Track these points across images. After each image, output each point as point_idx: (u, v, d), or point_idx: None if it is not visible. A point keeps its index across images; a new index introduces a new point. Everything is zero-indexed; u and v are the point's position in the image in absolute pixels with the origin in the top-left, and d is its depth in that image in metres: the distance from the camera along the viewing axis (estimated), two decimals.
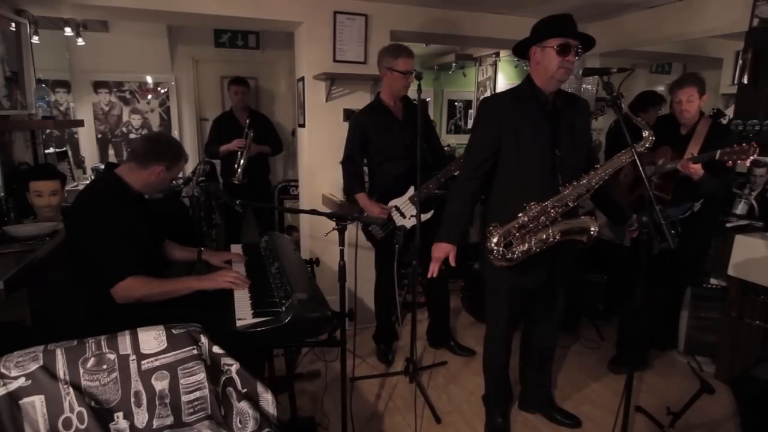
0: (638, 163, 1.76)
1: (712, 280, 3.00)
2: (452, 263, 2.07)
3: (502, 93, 2.17)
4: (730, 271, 2.64)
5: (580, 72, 1.91)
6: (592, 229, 1.93)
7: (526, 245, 1.96)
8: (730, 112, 3.33)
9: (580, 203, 2.01)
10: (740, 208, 2.81)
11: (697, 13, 3.23)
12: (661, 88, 5.47)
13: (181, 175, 4.72)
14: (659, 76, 5.69)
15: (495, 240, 1.98)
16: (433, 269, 2.09)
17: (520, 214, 1.97)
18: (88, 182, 3.40)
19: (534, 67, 2.01)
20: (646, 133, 1.92)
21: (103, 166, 4.01)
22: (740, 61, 2.96)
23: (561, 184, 1.98)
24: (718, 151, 2.32)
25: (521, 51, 2.07)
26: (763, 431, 2.17)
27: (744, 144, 2.25)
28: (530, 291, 2.18)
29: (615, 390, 2.69)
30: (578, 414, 2.43)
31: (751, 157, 2.24)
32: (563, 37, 1.90)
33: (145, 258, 1.89)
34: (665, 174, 2.61)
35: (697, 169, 2.40)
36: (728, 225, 2.72)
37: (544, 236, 1.95)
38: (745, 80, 2.90)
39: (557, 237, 1.95)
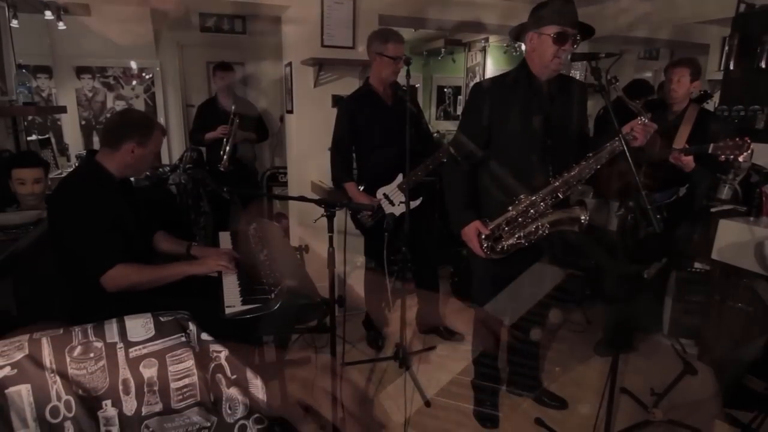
0: (627, 152, 1.74)
1: (697, 264, 3.04)
2: (486, 232, 2.02)
3: (494, 78, 2.11)
4: (714, 255, 2.67)
5: (569, 57, 1.87)
6: (582, 218, 1.93)
7: (515, 239, 1.96)
8: (716, 98, 3.37)
9: (572, 192, 2.00)
10: (724, 193, 2.84)
11: None
12: (649, 74, 5.49)
13: (167, 162, 4.69)
14: (647, 62, 5.70)
15: (483, 236, 1.99)
16: (477, 250, 2.05)
17: (510, 208, 1.97)
18: (71, 170, 3.34)
19: (529, 53, 1.96)
20: (641, 119, 1.85)
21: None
22: (726, 47, 2.97)
23: (552, 174, 1.96)
24: (711, 145, 2.30)
25: (518, 34, 2.03)
26: (744, 410, 2.23)
27: (737, 139, 2.22)
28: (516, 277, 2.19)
29: (601, 372, 2.73)
30: (565, 396, 2.48)
31: (744, 153, 2.21)
32: (562, 26, 1.83)
33: (131, 245, 1.86)
34: (653, 161, 2.62)
35: (689, 162, 2.40)
36: (712, 210, 2.75)
37: (533, 228, 1.95)
38: (732, 66, 2.92)
39: (546, 229, 1.95)
